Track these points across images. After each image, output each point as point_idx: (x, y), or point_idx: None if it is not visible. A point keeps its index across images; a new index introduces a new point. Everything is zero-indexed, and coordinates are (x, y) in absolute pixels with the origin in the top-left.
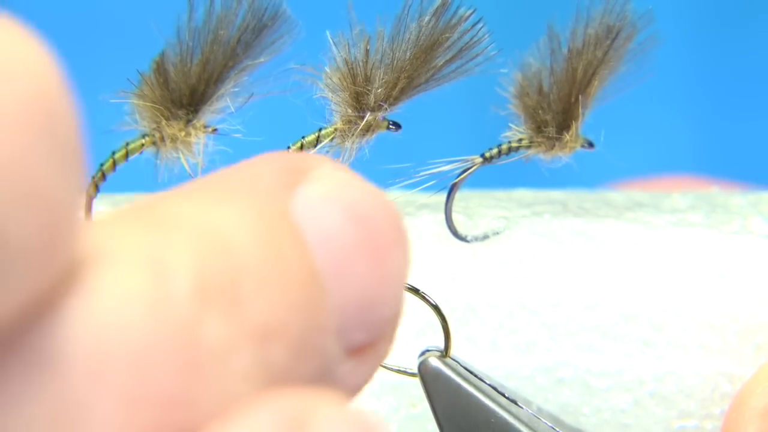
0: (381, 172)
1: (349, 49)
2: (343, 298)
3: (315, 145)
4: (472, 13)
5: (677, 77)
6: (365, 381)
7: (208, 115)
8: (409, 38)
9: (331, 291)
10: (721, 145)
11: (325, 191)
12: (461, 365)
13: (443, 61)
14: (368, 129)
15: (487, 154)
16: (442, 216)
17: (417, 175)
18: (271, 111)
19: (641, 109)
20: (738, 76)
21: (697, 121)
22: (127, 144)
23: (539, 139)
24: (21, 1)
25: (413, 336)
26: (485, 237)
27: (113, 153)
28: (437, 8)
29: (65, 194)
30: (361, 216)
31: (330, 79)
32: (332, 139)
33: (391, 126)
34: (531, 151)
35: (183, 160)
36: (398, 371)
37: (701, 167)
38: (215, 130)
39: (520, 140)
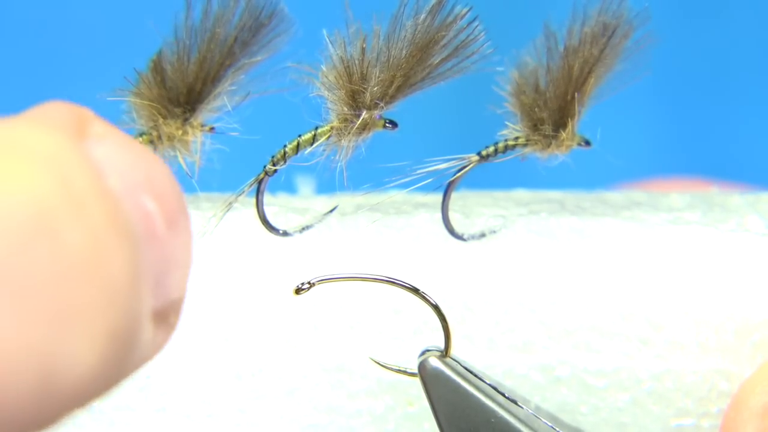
0: (378, 171)
1: (345, 47)
2: (149, 253)
3: (311, 144)
4: (467, 12)
5: (676, 77)
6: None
7: (206, 113)
8: (405, 36)
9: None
10: (720, 147)
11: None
12: (461, 365)
13: (439, 59)
14: (364, 127)
15: (484, 153)
16: (439, 214)
17: (413, 174)
18: (267, 109)
19: (640, 110)
20: (739, 77)
21: (696, 121)
22: None
23: (536, 137)
24: (20, 2)
25: (411, 336)
26: (482, 235)
27: None
28: (433, 6)
29: None
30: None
31: (326, 77)
32: (328, 137)
33: (387, 124)
34: (527, 150)
35: (180, 159)
36: (398, 371)
37: (699, 169)
38: (212, 128)
39: (517, 138)
